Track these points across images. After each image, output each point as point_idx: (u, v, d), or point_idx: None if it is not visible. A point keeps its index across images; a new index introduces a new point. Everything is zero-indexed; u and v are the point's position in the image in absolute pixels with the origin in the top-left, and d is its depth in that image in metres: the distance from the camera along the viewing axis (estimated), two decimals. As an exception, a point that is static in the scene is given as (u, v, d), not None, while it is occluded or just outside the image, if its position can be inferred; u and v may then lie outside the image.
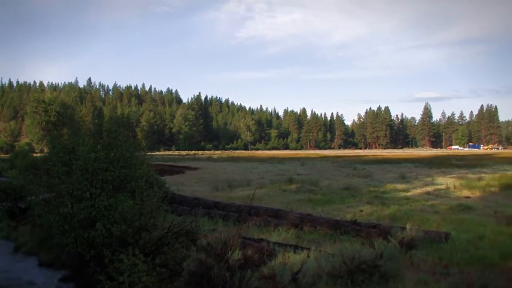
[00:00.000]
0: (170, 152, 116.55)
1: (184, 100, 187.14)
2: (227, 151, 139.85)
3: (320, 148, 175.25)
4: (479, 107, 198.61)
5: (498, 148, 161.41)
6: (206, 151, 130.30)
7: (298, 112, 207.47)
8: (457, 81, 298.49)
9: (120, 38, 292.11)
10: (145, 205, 7.76)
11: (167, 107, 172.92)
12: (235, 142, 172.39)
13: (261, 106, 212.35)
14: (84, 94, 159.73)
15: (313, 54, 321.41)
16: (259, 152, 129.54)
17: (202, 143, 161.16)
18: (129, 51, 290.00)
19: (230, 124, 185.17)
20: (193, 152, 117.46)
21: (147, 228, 7.57)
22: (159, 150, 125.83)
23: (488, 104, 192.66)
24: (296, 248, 7.96)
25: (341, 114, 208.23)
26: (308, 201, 15.28)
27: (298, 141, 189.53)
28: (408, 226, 8.53)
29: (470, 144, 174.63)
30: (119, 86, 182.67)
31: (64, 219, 8.01)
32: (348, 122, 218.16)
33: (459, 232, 9.41)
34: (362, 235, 8.95)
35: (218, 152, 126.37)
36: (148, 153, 15.57)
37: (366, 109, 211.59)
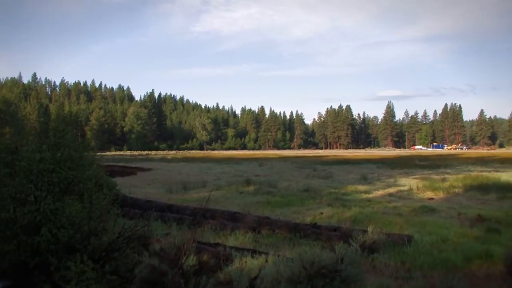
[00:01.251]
0: (121, 152, 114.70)
1: (137, 98, 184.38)
2: (182, 151, 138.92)
3: (279, 148, 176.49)
4: (443, 106, 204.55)
5: (462, 148, 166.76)
6: (159, 151, 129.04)
7: (256, 110, 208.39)
8: (421, 79, 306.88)
9: (67, 30, 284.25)
10: (94, 209, 7.58)
11: (118, 104, 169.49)
12: (190, 141, 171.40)
13: (217, 104, 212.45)
14: (29, 90, 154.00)
15: (272, 50, 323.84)
16: (215, 152, 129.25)
17: (156, 143, 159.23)
18: (77, 45, 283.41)
19: (185, 123, 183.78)
20: (146, 152, 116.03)
21: (96, 233, 7.40)
22: (109, 150, 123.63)
23: (452, 103, 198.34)
24: (254, 252, 7.96)
25: (301, 113, 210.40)
26: (267, 203, 15.29)
27: (256, 140, 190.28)
28: (370, 229, 8.60)
29: (434, 144, 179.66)
30: (67, 82, 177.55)
31: (5, 225, 7.72)
32: (308, 121, 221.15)
33: (422, 235, 9.56)
34: (322, 239, 9.03)
35: (173, 152, 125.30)
36: (98, 153, 15.23)
37: (327, 108, 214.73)
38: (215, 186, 21.01)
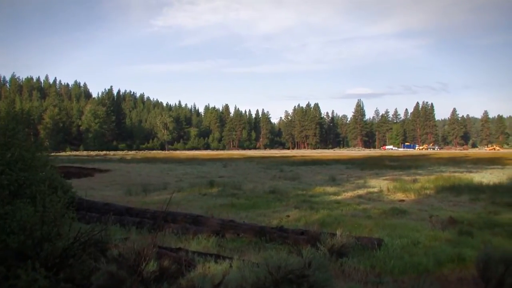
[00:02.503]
0: (77, 153, 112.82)
1: (94, 95, 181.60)
2: (142, 151, 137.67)
3: (244, 148, 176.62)
4: (414, 104, 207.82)
5: (434, 148, 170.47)
6: (118, 152, 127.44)
7: (221, 109, 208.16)
8: (392, 77, 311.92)
9: (19, 21, 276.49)
10: (47, 213, 7.39)
11: (74, 102, 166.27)
12: (151, 141, 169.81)
13: (179, 102, 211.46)
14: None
15: (238, 45, 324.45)
16: (178, 152, 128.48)
17: (114, 143, 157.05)
18: (30, 38, 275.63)
19: (146, 121, 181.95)
20: (104, 152, 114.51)
21: (50, 238, 7.21)
22: (65, 150, 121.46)
23: (424, 102, 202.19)
24: (217, 257, 7.92)
25: (267, 111, 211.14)
26: (231, 206, 15.26)
27: (220, 140, 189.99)
28: (338, 232, 8.61)
29: (405, 144, 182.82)
30: (18, 78, 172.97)
31: (-51, 230, 7.45)
32: (274, 120, 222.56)
33: (393, 238, 9.60)
34: (289, 243, 9.05)
35: (132, 152, 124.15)
36: (52, 154, 14.88)
37: (294, 106, 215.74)
38: (177, 188, 20.85)
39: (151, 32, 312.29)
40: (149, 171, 35.62)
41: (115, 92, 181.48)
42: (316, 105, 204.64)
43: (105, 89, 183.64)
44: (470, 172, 32.20)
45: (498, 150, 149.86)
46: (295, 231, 9.99)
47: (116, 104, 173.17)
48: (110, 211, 12.49)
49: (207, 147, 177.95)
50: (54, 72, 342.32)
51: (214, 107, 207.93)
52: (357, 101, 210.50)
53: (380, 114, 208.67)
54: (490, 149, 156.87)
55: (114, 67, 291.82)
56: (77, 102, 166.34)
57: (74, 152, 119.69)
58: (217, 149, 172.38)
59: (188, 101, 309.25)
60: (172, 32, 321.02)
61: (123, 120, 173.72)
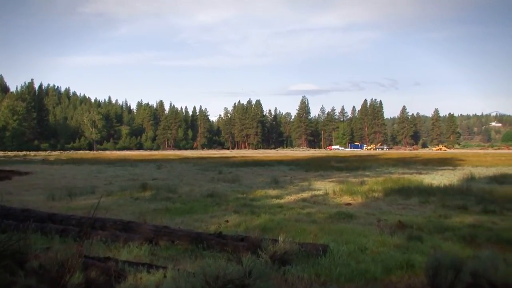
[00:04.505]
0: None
1: (12, 89, 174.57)
2: (68, 151, 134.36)
3: (180, 148, 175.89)
4: (362, 101, 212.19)
5: (382, 148, 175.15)
6: (40, 152, 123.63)
7: (155, 105, 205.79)
8: (339, 72, 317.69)
9: None
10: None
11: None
12: (77, 141, 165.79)
13: (109, 97, 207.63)
14: None
15: (174, 36, 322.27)
16: (107, 152, 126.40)
17: (36, 142, 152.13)
18: None
19: (72, 119, 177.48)
20: (24, 153, 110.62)
21: (-42, 250, 6.89)
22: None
23: (372, 99, 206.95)
24: (150, 267, 7.80)
25: (205, 109, 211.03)
26: (165, 211, 15.07)
27: (154, 139, 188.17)
28: (281, 238, 8.56)
29: (353, 143, 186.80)
30: None
31: None
32: (213, 117, 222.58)
33: (339, 244, 9.62)
34: (228, 250, 9.01)
35: (56, 152, 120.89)
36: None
37: (235, 103, 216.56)
38: (106, 191, 20.42)
39: (78, 21, 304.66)
40: (75, 173, 34.66)
41: (36, 86, 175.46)
42: (258, 102, 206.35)
43: (25, 82, 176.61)
44: (420, 173, 33.09)
45: (445, 150, 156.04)
46: (234, 238, 9.98)
47: (38, 100, 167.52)
48: (30, 218, 12.05)
49: (139, 147, 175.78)
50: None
51: (148, 104, 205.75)
52: (301, 98, 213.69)
53: (326, 112, 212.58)
54: (437, 149, 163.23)
55: (36, 59, 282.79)
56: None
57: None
58: (151, 149, 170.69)
59: (119, 97, 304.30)
60: (101, 20, 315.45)
61: (46, 117, 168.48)
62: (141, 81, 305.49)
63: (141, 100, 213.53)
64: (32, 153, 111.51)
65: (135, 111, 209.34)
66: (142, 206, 16.22)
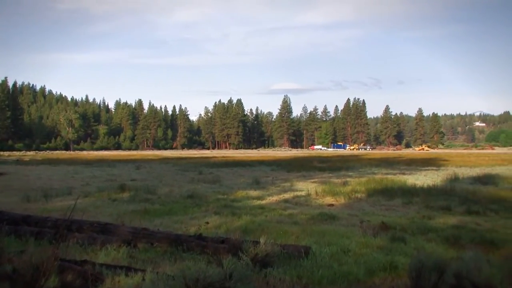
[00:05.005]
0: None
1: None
2: (43, 151, 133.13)
3: (159, 148, 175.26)
4: (345, 101, 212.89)
5: (365, 148, 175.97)
6: (14, 152, 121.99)
7: (133, 104, 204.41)
8: (321, 71, 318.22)
9: None
10: None
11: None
12: (53, 140, 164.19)
13: (86, 96, 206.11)
14: None
15: (152, 33, 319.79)
16: (84, 153, 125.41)
17: (10, 142, 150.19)
18: None
19: (47, 118, 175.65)
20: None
21: None
22: None
23: (355, 98, 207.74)
24: (128, 270, 7.75)
25: (185, 108, 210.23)
26: (144, 213, 14.98)
27: (132, 139, 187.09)
28: (262, 240, 8.54)
29: (335, 143, 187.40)
30: None
31: None
32: (193, 117, 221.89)
33: (321, 246, 9.63)
34: (208, 252, 8.99)
35: (31, 153, 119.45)
36: None
37: (215, 102, 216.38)
38: (83, 192, 20.23)
39: (54, 16, 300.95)
40: (51, 174, 34.33)
41: (10, 84, 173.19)
42: (239, 101, 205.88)
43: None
44: (404, 174, 33.31)
45: (427, 150, 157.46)
46: (215, 240, 9.95)
47: (12, 98, 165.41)
48: (3, 220, 11.90)
49: (118, 147, 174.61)
50: None
51: (126, 103, 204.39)
52: (283, 97, 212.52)
53: (309, 112, 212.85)
54: (419, 149, 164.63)
55: (10, 56, 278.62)
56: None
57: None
58: (130, 149, 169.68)
59: (96, 96, 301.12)
60: (78, 17, 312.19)
61: (20, 116, 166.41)
62: (119, 79, 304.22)
63: (120, 99, 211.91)
64: (6, 153, 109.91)
65: (113, 110, 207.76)
66: (120, 208, 16.12)
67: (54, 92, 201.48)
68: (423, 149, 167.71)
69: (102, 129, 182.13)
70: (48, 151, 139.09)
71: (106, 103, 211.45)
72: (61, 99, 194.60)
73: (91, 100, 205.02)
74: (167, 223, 13.10)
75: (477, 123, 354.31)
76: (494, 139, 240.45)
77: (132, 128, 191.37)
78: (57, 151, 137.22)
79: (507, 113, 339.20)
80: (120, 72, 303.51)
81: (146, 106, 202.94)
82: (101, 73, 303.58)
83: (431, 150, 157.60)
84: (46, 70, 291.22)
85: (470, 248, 8.67)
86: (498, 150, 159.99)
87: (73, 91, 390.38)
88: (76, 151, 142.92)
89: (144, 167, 42.79)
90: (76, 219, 11.83)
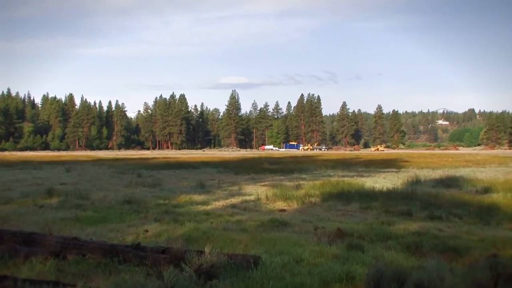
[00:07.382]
0: None
1: None
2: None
3: (93, 148, 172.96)
4: (298, 97, 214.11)
5: (320, 149, 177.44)
6: None
7: (64, 99, 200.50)
8: (272, 64, 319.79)
9: None
10: None
11: None
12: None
13: (8, 90, 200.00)
14: None
15: (84, 20, 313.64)
16: (6, 153, 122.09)
17: None
18: None
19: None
20: None
21: None
22: None
23: (309, 94, 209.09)
24: (56, 285, 7.56)
25: (122, 103, 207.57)
26: (75, 220, 14.76)
27: (62, 138, 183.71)
28: (207, 250, 8.50)
29: (289, 143, 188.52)
30: None
31: None
32: (131, 114, 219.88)
33: (272, 255, 9.66)
34: (147, 263, 8.90)
35: None
36: None
37: (156, 97, 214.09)
38: (4, 198, 19.89)
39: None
40: (-34, 178, 33.25)
41: None
42: (182, 96, 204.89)
43: None
44: (362, 176, 34.01)
45: (383, 151, 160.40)
46: (154, 249, 9.86)
47: None
48: None
49: (45, 147, 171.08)
50: None
51: (55, 98, 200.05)
52: (231, 92, 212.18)
53: (259, 108, 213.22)
54: (374, 150, 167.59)
55: None
56: None
57: None
58: (59, 149, 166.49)
59: (20, 90, 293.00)
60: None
61: None
62: (47, 71, 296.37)
63: (47, 93, 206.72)
64: None
65: (40, 105, 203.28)
66: (47, 215, 15.81)
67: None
68: (378, 149, 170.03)
69: (27, 127, 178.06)
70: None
71: (32, 98, 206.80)
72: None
73: (13, 94, 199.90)
74: (101, 232, 12.90)
75: (440, 122, 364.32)
76: (458, 138, 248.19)
77: (62, 126, 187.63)
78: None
79: (471, 110, 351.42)
80: (49, 63, 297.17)
81: (78, 102, 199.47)
82: (25, 64, 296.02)
83: (392, 150, 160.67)
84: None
85: (432, 256, 8.81)
86: (462, 150, 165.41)
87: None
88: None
89: (75, 169, 42.31)
90: (-5, 229, 11.48)
